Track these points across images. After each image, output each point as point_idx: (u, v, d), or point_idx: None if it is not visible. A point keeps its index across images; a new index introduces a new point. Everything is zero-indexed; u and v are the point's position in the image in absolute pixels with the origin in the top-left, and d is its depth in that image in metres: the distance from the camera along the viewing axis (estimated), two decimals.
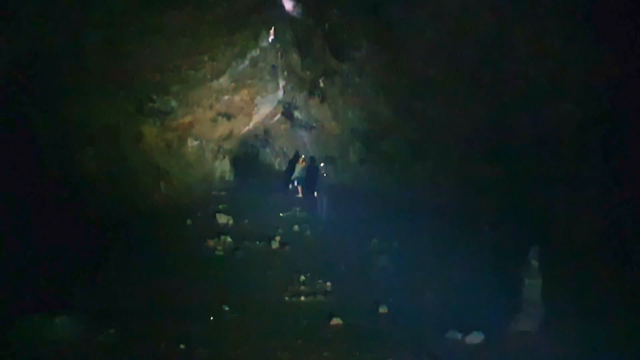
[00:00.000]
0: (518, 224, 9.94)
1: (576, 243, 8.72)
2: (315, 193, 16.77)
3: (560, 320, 7.82)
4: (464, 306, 8.69)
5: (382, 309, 8.87)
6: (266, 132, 23.93)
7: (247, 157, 24.08)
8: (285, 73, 19.48)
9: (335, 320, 8.36)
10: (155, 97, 15.59)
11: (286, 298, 9.47)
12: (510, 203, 10.59)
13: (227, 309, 8.70)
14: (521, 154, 10.81)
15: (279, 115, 22.66)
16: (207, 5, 12.51)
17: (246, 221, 15.23)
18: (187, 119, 17.56)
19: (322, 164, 17.38)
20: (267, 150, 25.06)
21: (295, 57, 18.16)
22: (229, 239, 12.93)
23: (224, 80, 17.15)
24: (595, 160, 8.95)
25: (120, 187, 13.92)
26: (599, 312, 7.66)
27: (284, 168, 23.07)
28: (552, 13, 9.52)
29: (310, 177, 18.53)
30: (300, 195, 19.52)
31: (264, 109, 21.09)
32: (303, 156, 21.15)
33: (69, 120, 13.03)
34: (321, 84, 18.42)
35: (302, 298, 9.47)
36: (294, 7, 15.96)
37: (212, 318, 8.32)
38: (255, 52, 17.22)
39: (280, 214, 16.51)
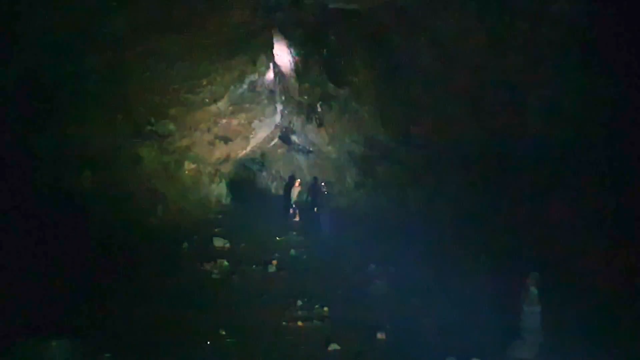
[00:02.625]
0: (516, 249, 9.95)
1: (576, 270, 8.71)
2: (316, 209, 16.95)
3: (559, 348, 7.78)
4: (462, 333, 8.64)
5: (380, 335, 8.80)
6: (263, 155, 24.03)
7: (243, 180, 24.10)
8: (283, 97, 19.64)
9: (333, 346, 8.29)
10: (153, 120, 15.68)
11: (283, 323, 9.39)
12: (508, 228, 10.61)
13: (223, 333, 8.64)
14: (518, 180, 10.86)
15: (276, 139, 22.80)
16: (207, 30, 12.63)
17: (243, 245, 15.19)
18: (185, 142, 17.64)
19: (323, 183, 18.09)
20: (264, 174, 25.11)
21: (293, 81, 18.32)
22: (225, 263, 12.89)
23: (222, 104, 17.29)
24: (593, 185, 9.00)
25: (118, 210, 13.89)
26: (599, 340, 7.62)
27: (280, 192, 23.07)
28: (547, 40, 9.65)
29: (313, 195, 19.08)
30: (297, 219, 19.51)
31: (261, 133, 21.23)
32: (299, 180, 21.19)
33: (68, 142, 13.06)
34: (318, 109, 18.54)
35: (300, 323, 9.40)
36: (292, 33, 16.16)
37: (208, 342, 8.26)
38: (253, 77, 17.40)
39: (277, 238, 16.47)
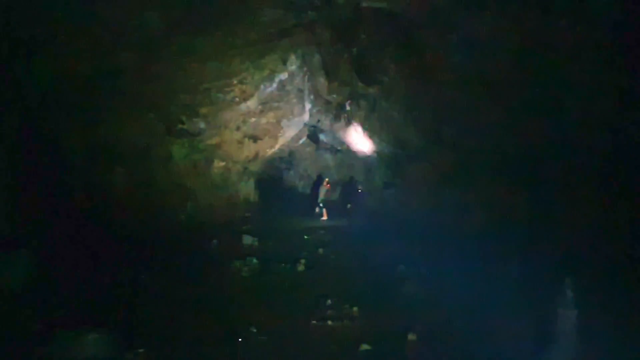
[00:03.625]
0: (551, 252, 9.79)
1: (615, 272, 8.54)
2: (349, 205, 17.73)
3: (595, 353, 7.64)
4: (495, 336, 8.54)
5: (411, 337, 8.74)
6: (291, 154, 24.08)
7: (271, 179, 24.18)
8: (312, 96, 19.62)
9: (364, 347, 8.27)
10: (184, 118, 15.84)
11: (313, 322, 9.40)
12: (543, 231, 10.45)
13: (254, 331, 8.68)
14: (552, 182, 10.69)
15: (304, 138, 22.82)
16: (239, 29, 12.68)
17: (271, 243, 15.28)
18: (215, 140, 17.78)
19: (357, 181, 19.10)
20: (292, 172, 25.15)
21: (322, 80, 18.28)
22: (254, 260, 12.97)
23: (251, 103, 17.35)
24: (631, 189, 8.82)
25: (149, 207, 14.09)
26: (637, 345, 7.46)
27: (308, 191, 23.11)
28: (584, 40, 9.48)
29: (347, 194, 19.93)
30: (325, 217, 19.55)
31: (290, 132, 21.27)
32: (327, 179, 21.23)
33: (100, 139, 13.28)
34: (347, 108, 18.52)
35: (329, 322, 9.40)
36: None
37: (240, 340, 8.31)
38: (283, 76, 17.42)
39: (305, 237, 16.51)
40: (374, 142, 18.45)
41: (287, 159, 24.37)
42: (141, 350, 7.55)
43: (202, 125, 16.42)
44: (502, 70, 11.27)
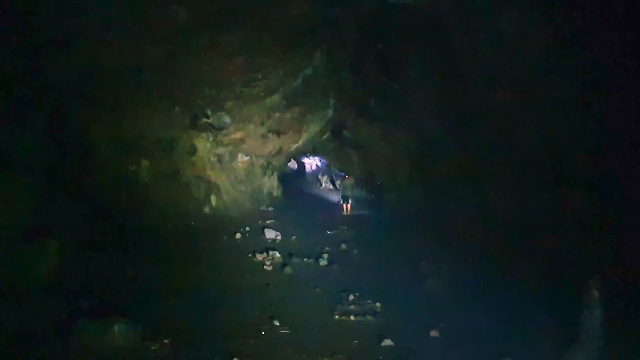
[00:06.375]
0: (576, 251, 9.67)
1: None
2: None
3: (622, 354, 7.53)
4: (518, 334, 8.47)
5: (434, 333, 8.72)
6: (314, 149, 24.13)
7: (295, 173, 24.28)
8: (336, 92, 19.61)
9: (387, 342, 8.26)
10: (209, 112, 15.94)
11: (336, 316, 9.43)
12: (569, 230, 10.31)
13: (277, 324, 8.73)
14: (579, 182, 10.55)
15: (327, 134, 22.84)
16: (265, 24, 12.69)
17: (294, 237, 15.34)
18: (239, 134, 17.88)
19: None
20: (315, 167, 25.22)
21: (346, 76, 18.26)
22: (277, 255, 13.03)
23: (276, 98, 17.39)
24: None
25: (173, 200, 14.24)
26: None
27: (330, 186, 23.17)
28: (615, 38, 9.31)
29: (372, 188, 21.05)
30: (346, 212, 19.55)
31: (314, 127, 21.30)
32: (349, 175, 21.24)
33: (126, 132, 13.44)
34: (371, 104, 18.46)
35: (352, 317, 9.41)
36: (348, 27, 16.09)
37: (263, 333, 8.36)
38: (308, 71, 17.42)
39: (328, 232, 16.53)
40: (398, 138, 18.37)
41: (310, 154, 24.45)
42: (166, 341, 7.62)
43: (226, 119, 16.51)
44: (532, 68, 11.13)
